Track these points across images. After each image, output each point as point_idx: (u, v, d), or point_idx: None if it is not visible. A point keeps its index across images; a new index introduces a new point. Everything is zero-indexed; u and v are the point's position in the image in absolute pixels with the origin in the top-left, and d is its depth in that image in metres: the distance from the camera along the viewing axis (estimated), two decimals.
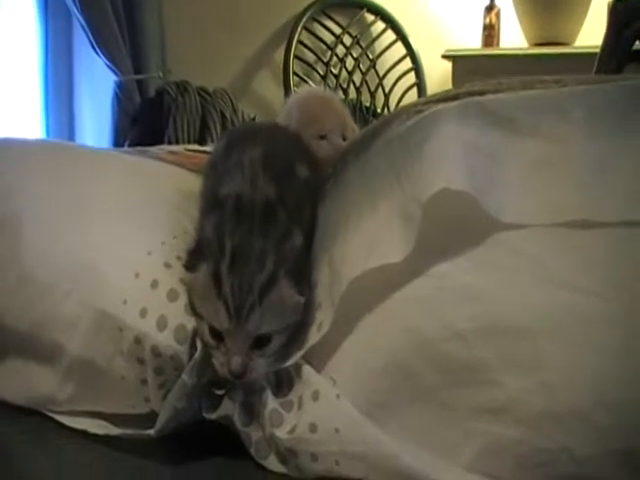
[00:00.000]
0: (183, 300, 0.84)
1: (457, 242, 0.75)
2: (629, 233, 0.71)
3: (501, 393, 0.70)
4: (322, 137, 1.06)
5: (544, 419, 0.68)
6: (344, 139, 1.07)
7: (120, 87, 3.00)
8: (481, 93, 0.84)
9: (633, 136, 0.75)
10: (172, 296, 0.84)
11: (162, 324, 0.83)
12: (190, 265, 0.83)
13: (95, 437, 0.87)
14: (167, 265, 0.88)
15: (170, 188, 1.02)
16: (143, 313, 0.84)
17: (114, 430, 0.87)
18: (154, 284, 0.85)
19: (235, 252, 0.78)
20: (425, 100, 0.92)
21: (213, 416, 0.83)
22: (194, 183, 0.96)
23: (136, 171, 1.09)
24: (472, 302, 0.72)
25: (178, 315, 0.83)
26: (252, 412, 0.81)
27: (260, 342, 0.79)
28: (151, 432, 0.83)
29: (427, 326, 0.73)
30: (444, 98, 0.86)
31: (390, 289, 0.76)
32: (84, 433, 0.88)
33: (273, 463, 0.81)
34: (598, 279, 0.70)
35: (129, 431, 0.86)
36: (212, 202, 0.86)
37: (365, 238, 0.79)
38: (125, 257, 0.89)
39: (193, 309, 0.83)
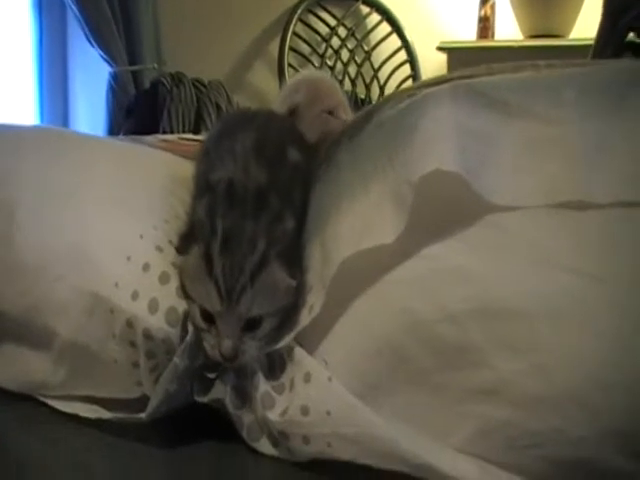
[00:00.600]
0: (175, 283, 0.84)
1: (449, 223, 0.74)
2: (624, 214, 0.71)
3: (494, 375, 0.70)
4: (330, 112, 1.09)
5: (537, 401, 0.68)
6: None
7: (115, 78, 3.00)
8: (473, 77, 0.84)
9: (626, 117, 0.75)
10: (164, 279, 0.84)
11: (154, 307, 0.83)
12: (182, 248, 0.83)
13: (88, 422, 0.87)
14: (159, 249, 0.88)
15: (162, 174, 1.02)
16: (135, 296, 0.84)
17: (106, 414, 0.87)
18: (146, 267, 0.85)
19: (227, 233, 0.78)
20: (418, 85, 0.92)
21: (205, 399, 0.83)
22: (187, 169, 0.96)
23: (129, 157, 1.09)
24: (465, 283, 0.72)
25: (169, 298, 0.83)
26: (244, 395, 0.81)
27: (251, 325, 0.79)
28: (143, 415, 0.83)
29: (420, 308, 0.73)
30: (436, 82, 0.86)
31: (382, 271, 0.76)
32: (77, 418, 0.88)
33: (265, 446, 0.81)
34: (593, 261, 0.69)
35: (121, 415, 0.86)
36: (204, 186, 0.86)
37: (357, 220, 0.79)
38: (117, 241, 0.89)
39: (184, 292, 0.83)
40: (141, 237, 0.89)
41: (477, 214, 0.74)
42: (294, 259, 0.82)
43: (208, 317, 0.79)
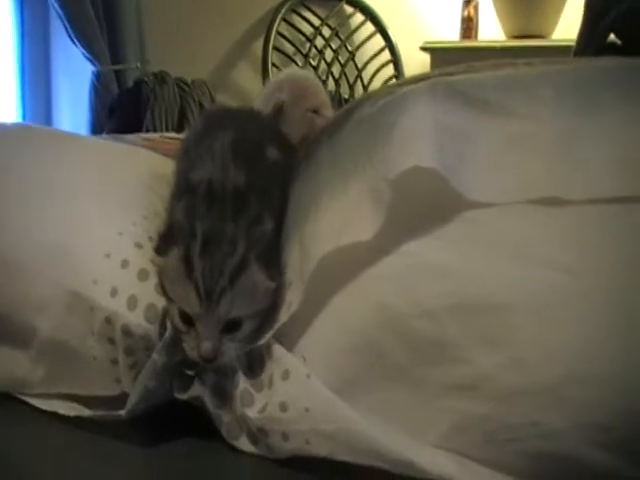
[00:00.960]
0: (153, 280, 0.84)
1: (428, 220, 0.75)
2: (599, 210, 0.71)
3: (471, 370, 0.70)
4: (314, 112, 1.09)
5: (514, 394, 0.68)
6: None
7: (98, 77, 2.99)
8: (452, 75, 0.84)
9: (601, 115, 0.75)
10: (142, 276, 0.84)
11: (132, 303, 0.83)
12: (161, 248, 0.82)
13: (67, 420, 0.87)
14: (138, 245, 0.88)
15: (143, 171, 1.02)
16: (113, 293, 0.84)
17: (86, 412, 0.87)
18: (124, 264, 0.85)
19: (206, 236, 0.78)
20: (398, 83, 0.93)
21: (184, 396, 0.83)
22: (168, 167, 0.96)
23: (109, 154, 1.09)
24: (442, 279, 0.72)
25: (148, 294, 0.83)
26: (223, 394, 0.81)
27: (231, 326, 0.79)
28: (122, 413, 0.82)
29: (397, 303, 0.73)
30: (416, 80, 0.87)
31: (360, 267, 0.76)
32: (56, 416, 0.88)
33: (244, 444, 0.81)
34: (570, 256, 0.70)
35: (100, 412, 0.86)
36: (183, 186, 0.86)
37: (336, 217, 0.79)
38: (96, 238, 0.89)
39: (164, 292, 0.82)
40: (120, 234, 0.89)
41: (455, 211, 0.74)
42: (273, 261, 0.82)
43: (187, 319, 0.79)
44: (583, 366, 0.67)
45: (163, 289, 0.82)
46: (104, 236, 0.89)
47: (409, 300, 0.73)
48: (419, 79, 0.86)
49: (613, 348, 0.67)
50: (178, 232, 0.80)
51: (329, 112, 1.11)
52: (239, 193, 0.82)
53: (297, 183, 0.90)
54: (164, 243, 0.82)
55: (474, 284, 0.71)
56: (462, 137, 0.76)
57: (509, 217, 0.73)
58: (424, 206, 0.75)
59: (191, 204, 0.81)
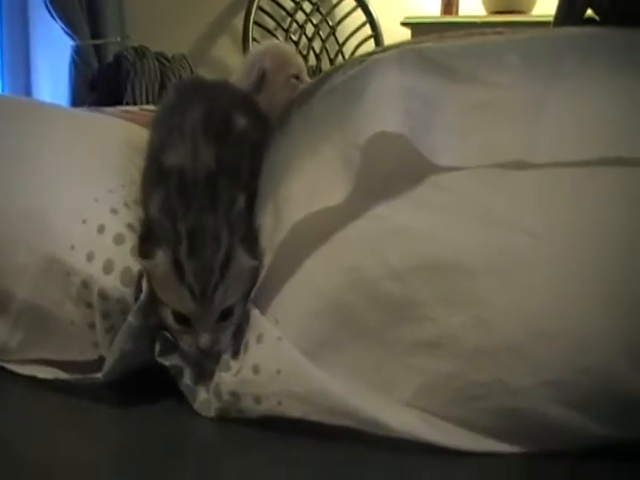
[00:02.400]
0: (129, 244, 0.85)
1: (396, 185, 0.76)
2: (561, 174, 0.73)
3: (437, 328, 0.72)
4: (296, 78, 1.14)
5: (479, 353, 0.70)
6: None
7: (78, 52, 2.97)
8: (421, 43, 0.85)
9: (566, 81, 0.77)
10: (118, 240, 0.86)
11: (108, 267, 0.84)
12: (144, 252, 0.83)
13: (45, 384, 0.88)
14: (114, 211, 0.89)
15: (120, 140, 1.03)
16: (90, 257, 0.85)
17: (63, 375, 0.88)
18: (100, 229, 0.86)
19: (191, 237, 0.79)
20: (368, 52, 0.94)
21: (166, 362, 0.83)
22: (144, 137, 0.97)
23: (86, 123, 1.10)
24: (409, 241, 0.74)
25: (124, 258, 0.84)
26: (204, 370, 0.83)
27: (225, 314, 0.81)
28: (99, 376, 0.84)
29: (366, 266, 0.75)
30: (386, 49, 0.88)
31: (330, 231, 0.78)
32: (34, 381, 0.89)
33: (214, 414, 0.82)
34: (533, 218, 0.72)
35: (78, 376, 0.87)
36: (156, 173, 0.87)
37: (306, 182, 0.81)
38: (72, 204, 0.90)
39: (155, 297, 0.83)
40: (96, 200, 0.90)
41: (422, 175, 0.76)
42: (254, 239, 0.84)
43: (182, 319, 0.81)
44: (546, 325, 0.69)
45: (154, 292, 0.83)
46: (80, 202, 0.90)
47: (378, 263, 0.75)
48: (389, 48, 0.87)
49: (575, 308, 0.69)
50: (160, 234, 0.81)
51: (308, 79, 1.14)
52: (211, 178, 0.83)
53: (270, 153, 0.91)
54: (147, 245, 0.83)
55: (441, 246, 0.73)
56: (430, 103, 0.77)
57: (475, 181, 0.75)
58: (393, 171, 0.76)
59: (166, 198, 0.82)
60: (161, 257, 0.80)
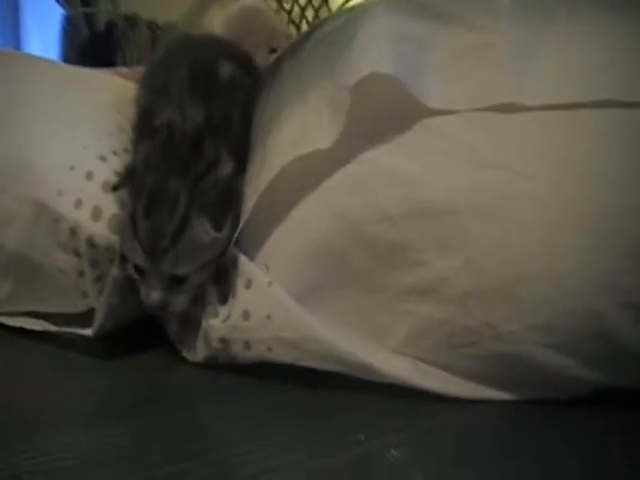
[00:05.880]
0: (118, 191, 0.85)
1: (385, 128, 0.75)
2: (551, 116, 0.72)
3: (428, 273, 0.72)
4: (273, 50, 1.13)
5: (469, 297, 0.70)
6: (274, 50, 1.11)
7: (68, 21, 2.93)
8: None
9: (557, 24, 0.76)
10: (107, 187, 0.85)
11: (96, 214, 0.84)
12: (115, 187, 0.84)
13: (34, 336, 0.88)
14: (102, 158, 0.88)
15: (109, 93, 1.03)
16: (78, 204, 0.85)
17: (52, 327, 0.88)
18: (89, 175, 0.86)
19: (151, 195, 0.78)
20: (358, 3, 0.93)
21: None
22: (134, 91, 0.97)
23: (75, 76, 1.09)
24: (400, 185, 0.74)
25: (112, 205, 0.84)
26: (191, 317, 0.83)
27: (177, 280, 0.80)
28: (89, 332, 0.84)
29: (356, 210, 0.75)
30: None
31: (320, 176, 0.77)
32: (23, 332, 0.89)
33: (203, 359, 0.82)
34: (520, 159, 0.71)
35: (67, 329, 0.87)
36: (146, 128, 0.87)
37: (295, 127, 0.80)
38: (60, 151, 0.89)
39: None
40: (85, 148, 0.89)
41: (412, 118, 0.75)
42: (223, 209, 0.82)
43: (139, 269, 0.80)
44: (535, 268, 0.68)
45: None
46: (69, 150, 0.89)
47: (368, 206, 0.74)
48: None
49: (562, 249, 0.68)
50: (132, 178, 0.81)
51: (280, 40, 1.13)
52: (197, 137, 0.82)
53: (260, 104, 0.90)
54: (119, 181, 0.83)
55: (429, 188, 0.73)
56: (419, 46, 0.77)
57: (465, 123, 0.74)
58: (382, 114, 0.76)
59: (149, 152, 0.82)
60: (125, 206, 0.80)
